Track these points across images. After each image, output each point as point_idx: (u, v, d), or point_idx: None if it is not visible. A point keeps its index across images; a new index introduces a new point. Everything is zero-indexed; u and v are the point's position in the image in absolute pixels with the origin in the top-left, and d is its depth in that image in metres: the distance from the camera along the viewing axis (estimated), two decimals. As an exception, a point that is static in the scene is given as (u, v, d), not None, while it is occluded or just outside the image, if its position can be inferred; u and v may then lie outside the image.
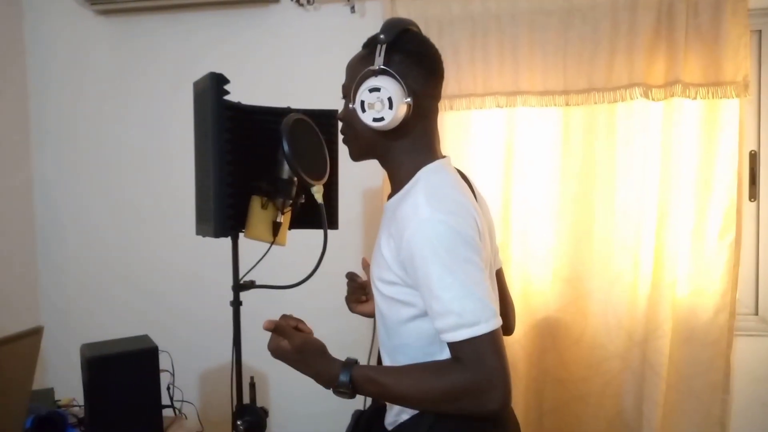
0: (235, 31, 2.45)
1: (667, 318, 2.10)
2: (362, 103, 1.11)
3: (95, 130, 2.58)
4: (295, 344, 1.12)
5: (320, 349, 1.14)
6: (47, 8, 2.55)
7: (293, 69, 2.42)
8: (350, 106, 1.16)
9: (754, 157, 2.21)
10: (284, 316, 1.19)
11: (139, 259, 2.56)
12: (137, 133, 2.55)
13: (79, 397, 1.96)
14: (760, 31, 2.18)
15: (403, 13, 2.22)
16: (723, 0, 2.06)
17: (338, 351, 1.17)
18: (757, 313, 2.22)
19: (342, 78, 1.23)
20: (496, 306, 1.04)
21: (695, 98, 2.08)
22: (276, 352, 1.14)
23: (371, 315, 1.38)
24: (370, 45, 1.17)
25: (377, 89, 1.10)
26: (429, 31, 2.20)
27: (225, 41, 2.45)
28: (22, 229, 2.60)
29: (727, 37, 2.05)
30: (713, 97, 2.08)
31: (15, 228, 2.56)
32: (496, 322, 1.00)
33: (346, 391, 1.08)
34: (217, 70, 2.18)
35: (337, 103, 1.26)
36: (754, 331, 2.20)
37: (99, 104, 2.57)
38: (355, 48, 1.24)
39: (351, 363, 1.09)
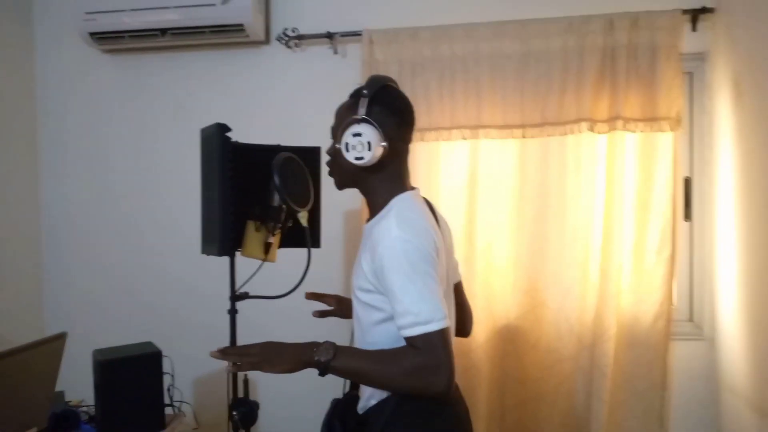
0: (230, 69, 2.63)
1: (613, 324, 2.29)
2: (346, 144, 1.34)
3: (101, 155, 2.74)
4: (257, 345, 1.28)
5: (278, 341, 1.31)
6: (59, 46, 2.74)
7: (282, 103, 2.60)
8: (337, 146, 1.38)
9: (688, 183, 2.42)
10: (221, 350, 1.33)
11: (143, 273, 2.73)
12: (139, 159, 2.71)
13: (87, 399, 2.12)
14: (692, 73, 2.40)
15: (379, 55, 2.43)
16: (658, 46, 2.26)
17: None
18: (692, 320, 2.42)
19: (326, 111, 1.45)
20: (446, 310, 1.24)
21: (635, 131, 2.29)
22: (253, 362, 1.27)
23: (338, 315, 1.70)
24: (356, 96, 1.38)
25: (359, 134, 1.32)
26: (403, 71, 2.41)
27: (221, 78, 2.63)
28: (31, 248, 2.75)
29: (662, 78, 2.25)
30: (650, 131, 2.28)
31: (23, 247, 2.71)
32: (446, 323, 1.21)
33: (330, 348, 1.24)
34: (214, 105, 2.40)
35: (320, 133, 1.45)
36: (690, 335, 2.38)
37: (104, 131, 2.73)
38: (337, 85, 1.46)
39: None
